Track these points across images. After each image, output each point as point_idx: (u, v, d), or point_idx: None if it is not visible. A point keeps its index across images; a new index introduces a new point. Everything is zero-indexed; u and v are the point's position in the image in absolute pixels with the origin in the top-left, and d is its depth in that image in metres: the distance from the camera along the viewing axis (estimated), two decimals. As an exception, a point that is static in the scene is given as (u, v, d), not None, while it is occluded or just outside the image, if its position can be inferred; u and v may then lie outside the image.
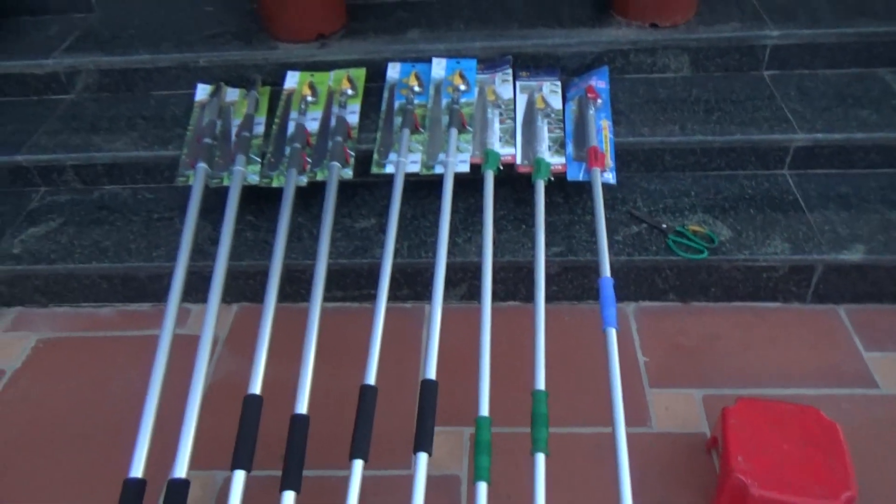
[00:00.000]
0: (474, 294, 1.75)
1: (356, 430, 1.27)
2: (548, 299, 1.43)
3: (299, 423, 1.30)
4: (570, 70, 1.95)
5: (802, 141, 1.74)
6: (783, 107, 1.81)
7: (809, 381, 1.55)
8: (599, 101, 1.81)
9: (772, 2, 1.99)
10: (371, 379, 1.34)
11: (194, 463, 1.24)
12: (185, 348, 1.46)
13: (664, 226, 1.68)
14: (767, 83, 1.90)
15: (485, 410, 1.29)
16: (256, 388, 1.35)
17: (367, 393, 1.32)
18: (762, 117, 1.79)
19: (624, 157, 1.81)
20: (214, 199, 1.80)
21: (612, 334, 1.36)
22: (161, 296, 1.81)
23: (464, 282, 1.73)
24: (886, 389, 1.52)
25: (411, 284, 1.75)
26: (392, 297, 1.44)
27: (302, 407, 1.32)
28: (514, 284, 1.73)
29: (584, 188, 1.79)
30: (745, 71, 1.94)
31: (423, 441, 1.26)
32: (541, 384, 1.32)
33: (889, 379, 1.54)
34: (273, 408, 1.33)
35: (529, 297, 1.75)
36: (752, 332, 1.66)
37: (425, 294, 1.77)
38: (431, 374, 1.35)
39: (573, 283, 1.71)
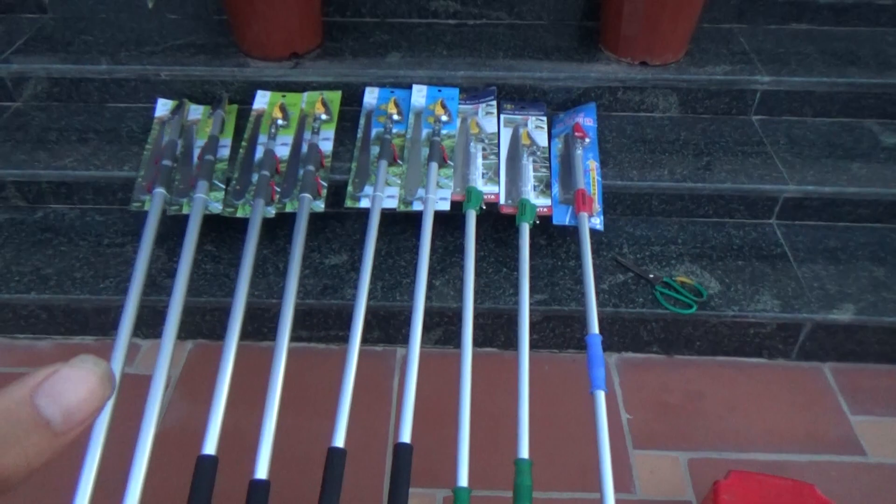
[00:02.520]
0: (449, 339, 1.65)
1: (322, 500, 1.16)
2: (529, 347, 1.34)
3: (259, 489, 1.18)
4: (555, 104, 1.87)
5: (793, 192, 1.69)
6: (773, 155, 1.76)
7: (796, 447, 1.49)
8: (587, 140, 1.73)
9: (762, 46, 1.94)
10: (340, 441, 1.23)
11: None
12: (132, 389, 1.33)
13: (651, 276, 1.61)
14: (757, 129, 1.85)
15: (464, 481, 1.19)
16: (212, 447, 1.22)
17: (334, 457, 1.21)
18: (752, 164, 1.73)
19: (610, 200, 1.73)
20: (171, 226, 1.66)
21: (601, 397, 1.27)
22: (107, 329, 1.65)
23: (440, 326, 1.62)
24: (873, 457, 1.47)
25: (383, 327, 1.63)
26: (362, 339, 1.32)
27: (262, 471, 1.19)
28: (492, 331, 1.63)
29: (569, 229, 1.70)
30: (734, 115, 1.89)
31: (395, 515, 1.15)
32: (524, 452, 1.23)
33: (875, 445, 1.49)
34: (229, 464, 1.20)
35: (508, 343, 1.66)
36: (737, 390, 1.60)
37: (397, 337, 1.66)
38: (406, 436, 1.23)
39: (555, 331, 1.62)
